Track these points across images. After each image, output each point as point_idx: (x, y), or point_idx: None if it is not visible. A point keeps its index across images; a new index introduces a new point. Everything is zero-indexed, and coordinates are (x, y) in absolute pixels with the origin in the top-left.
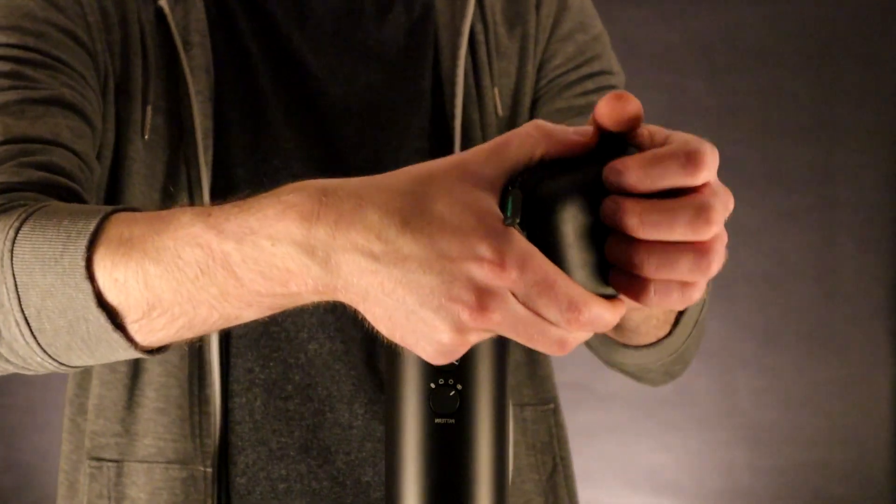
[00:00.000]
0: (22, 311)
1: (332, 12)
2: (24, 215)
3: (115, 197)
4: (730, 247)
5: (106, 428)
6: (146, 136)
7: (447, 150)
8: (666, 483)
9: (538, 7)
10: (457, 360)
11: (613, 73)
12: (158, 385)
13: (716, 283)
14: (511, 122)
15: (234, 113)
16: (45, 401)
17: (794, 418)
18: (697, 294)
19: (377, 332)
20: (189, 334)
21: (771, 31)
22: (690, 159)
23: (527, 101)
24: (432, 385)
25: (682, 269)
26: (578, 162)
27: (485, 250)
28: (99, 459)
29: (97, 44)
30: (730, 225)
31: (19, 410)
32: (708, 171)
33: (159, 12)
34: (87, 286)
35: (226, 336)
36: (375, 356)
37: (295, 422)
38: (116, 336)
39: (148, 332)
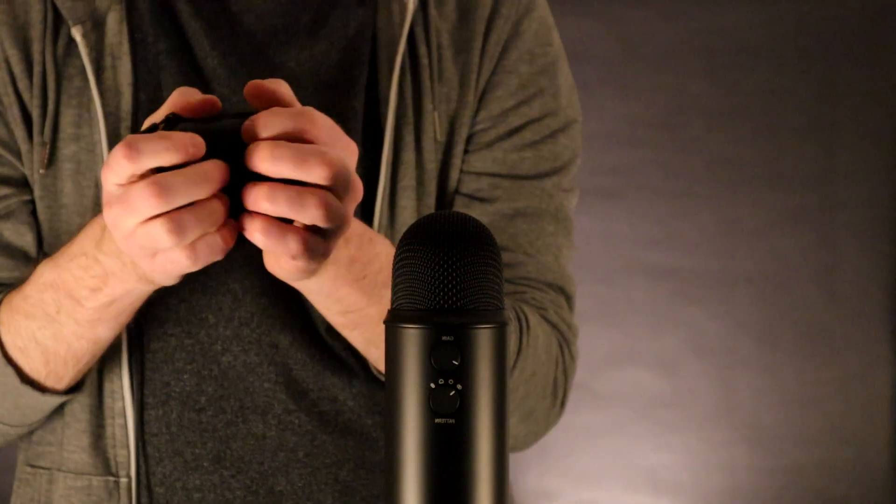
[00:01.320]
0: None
1: (261, 34)
2: None
3: (50, 229)
4: (730, 247)
5: (42, 437)
6: (41, 171)
7: (375, 170)
8: (666, 483)
9: (487, 34)
10: (457, 360)
11: (556, 114)
12: (76, 398)
13: (716, 283)
14: (448, 148)
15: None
16: None
17: (794, 418)
18: (300, 242)
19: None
20: (85, 366)
21: (771, 31)
22: (302, 116)
23: (464, 130)
24: (432, 385)
25: (292, 204)
26: (209, 120)
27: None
28: (34, 466)
29: (9, 112)
30: (730, 225)
31: None
32: (318, 131)
33: (70, 42)
34: (8, 370)
35: (140, 351)
36: (289, 368)
37: (208, 433)
38: (44, 398)
39: (56, 379)
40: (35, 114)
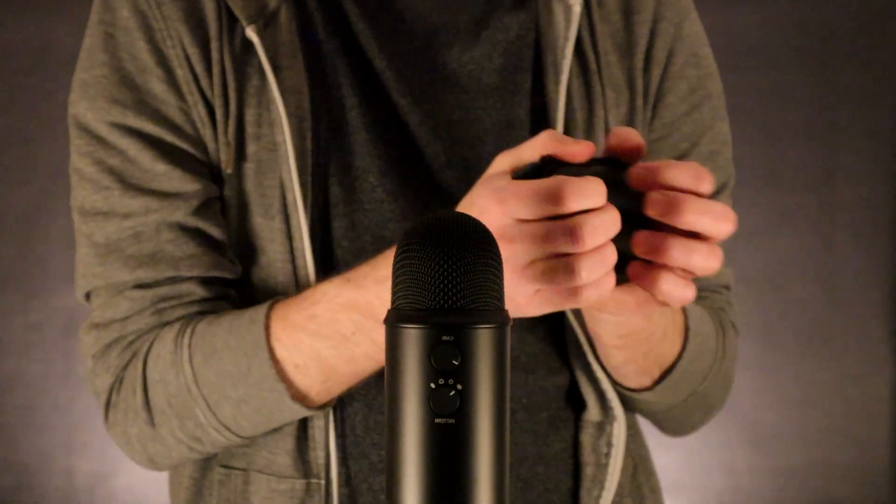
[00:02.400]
0: (220, 421)
1: (422, 32)
2: (186, 351)
3: (238, 228)
4: (729, 247)
5: None
6: (228, 170)
7: None
8: (666, 483)
9: (652, 38)
10: (457, 360)
11: (724, 119)
12: None
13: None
14: None
15: (327, 132)
16: (45, 401)
17: (794, 418)
18: (689, 291)
19: None
20: (358, 384)
21: (771, 31)
22: (699, 173)
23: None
24: (432, 385)
25: (697, 258)
26: (582, 166)
27: (485, 197)
28: (228, 467)
29: (194, 119)
30: None
31: (19, 410)
32: (710, 187)
33: (246, 42)
34: (280, 387)
35: None
36: None
37: None
38: (305, 410)
39: (326, 395)
40: (218, 113)
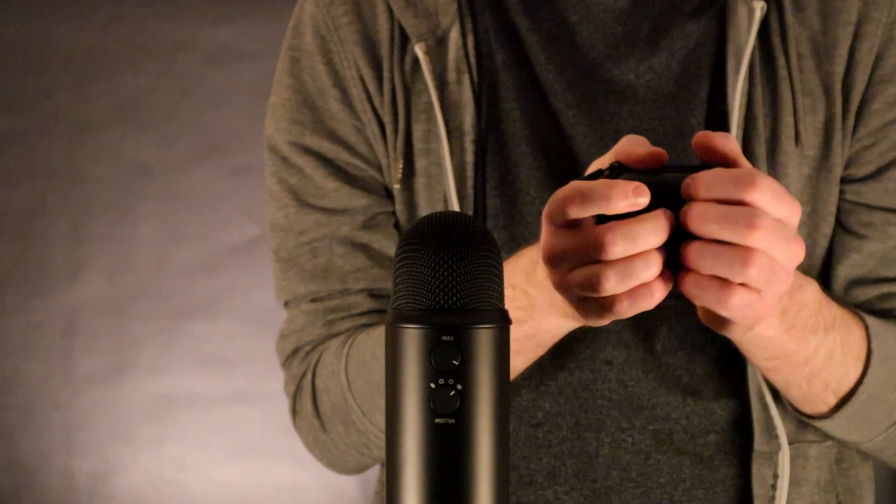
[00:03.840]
0: (377, 427)
1: (600, 44)
2: (344, 361)
3: None
4: None
5: None
6: (397, 185)
7: None
8: None
9: (856, 40)
10: (457, 360)
11: None
12: None
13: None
14: (821, 161)
15: (491, 146)
16: (45, 401)
17: None
18: (733, 300)
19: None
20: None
21: None
22: (742, 179)
23: (837, 145)
24: (432, 385)
25: (722, 263)
26: (652, 172)
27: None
28: None
29: (368, 132)
30: None
31: (19, 410)
32: (759, 194)
33: (417, 60)
34: None
35: None
36: (624, 385)
37: (544, 448)
38: None
39: None
40: (388, 130)
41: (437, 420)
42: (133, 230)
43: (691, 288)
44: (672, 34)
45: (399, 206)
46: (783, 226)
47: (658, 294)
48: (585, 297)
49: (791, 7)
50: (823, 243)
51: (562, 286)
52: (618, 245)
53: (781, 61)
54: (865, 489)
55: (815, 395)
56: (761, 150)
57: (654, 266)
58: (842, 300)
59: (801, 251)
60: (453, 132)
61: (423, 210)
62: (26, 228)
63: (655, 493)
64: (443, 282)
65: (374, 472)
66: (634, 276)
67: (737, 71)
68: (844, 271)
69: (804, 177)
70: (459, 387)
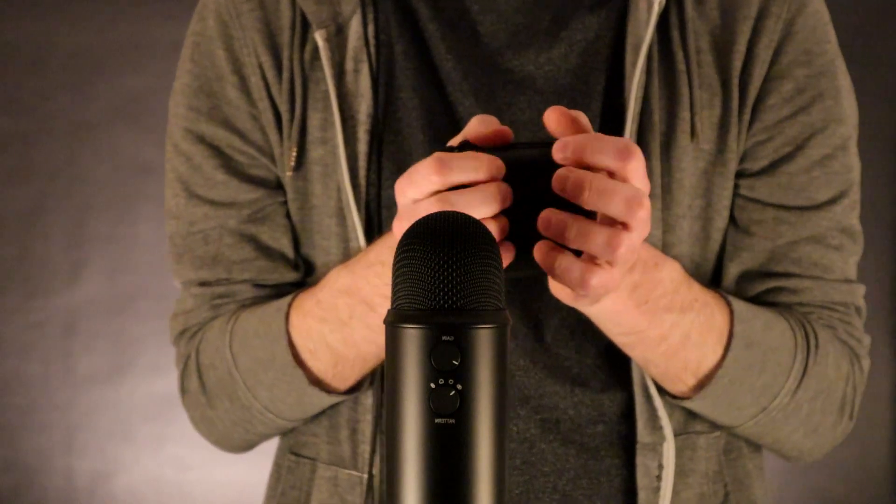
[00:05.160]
0: (261, 403)
1: (500, 34)
2: (228, 337)
3: (303, 230)
4: None
5: (308, 427)
6: (289, 173)
7: None
8: None
9: (755, 35)
10: (457, 360)
11: (841, 121)
12: None
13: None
14: (716, 156)
15: (389, 135)
16: (45, 401)
17: None
18: (594, 279)
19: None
20: (370, 369)
21: None
22: (623, 149)
23: (732, 140)
24: (432, 385)
25: (597, 242)
26: (503, 148)
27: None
28: (297, 455)
29: (264, 125)
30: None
31: (19, 410)
32: (635, 164)
33: (317, 47)
34: (298, 372)
35: None
36: (511, 374)
37: None
38: (329, 398)
39: (342, 380)
40: (284, 118)
41: (437, 420)
42: (133, 230)
43: (540, 257)
44: (572, 26)
45: (291, 195)
46: (648, 204)
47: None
48: None
49: (691, 1)
50: (717, 237)
51: None
52: (462, 209)
53: (680, 56)
54: (754, 479)
55: (675, 374)
56: (656, 143)
57: (495, 233)
58: (714, 288)
59: (650, 226)
60: (348, 121)
61: (318, 199)
62: (26, 228)
63: (540, 482)
64: (443, 282)
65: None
66: None
67: (634, 64)
68: (735, 267)
69: (699, 171)
70: (459, 387)
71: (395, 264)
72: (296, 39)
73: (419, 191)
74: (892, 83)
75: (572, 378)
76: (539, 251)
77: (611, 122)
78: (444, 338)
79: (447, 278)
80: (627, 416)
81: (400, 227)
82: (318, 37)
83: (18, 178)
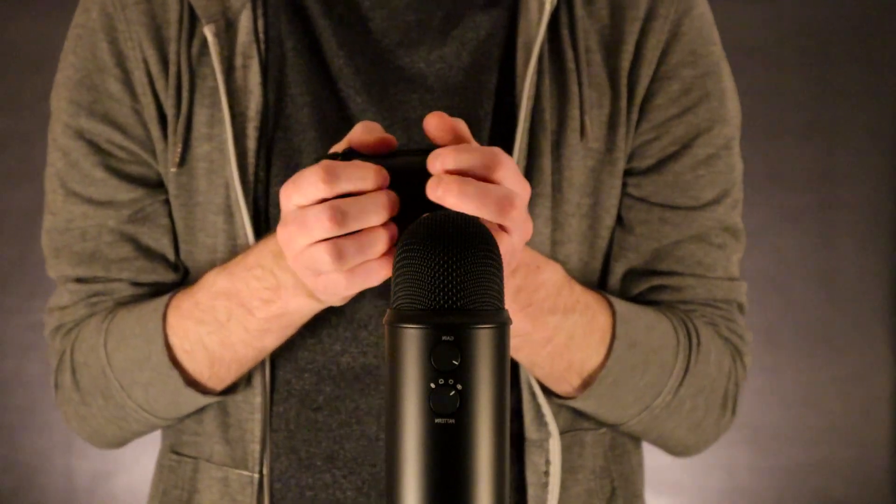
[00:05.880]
0: (136, 402)
1: (391, 30)
2: (103, 336)
3: (186, 227)
4: None
5: (188, 426)
6: (173, 169)
7: None
8: (666, 483)
9: (643, 36)
10: (457, 360)
11: (726, 121)
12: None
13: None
14: (605, 155)
15: (277, 132)
16: (45, 401)
17: (794, 418)
18: None
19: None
20: (246, 371)
21: (771, 31)
22: (491, 157)
23: (620, 139)
24: (432, 385)
25: None
26: (386, 156)
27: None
28: (178, 454)
29: (146, 118)
30: None
31: (19, 410)
32: (505, 172)
33: (205, 42)
34: (174, 373)
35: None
36: None
37: (323, 432)
38: (204, 398)
39: (218, 381)
40: (169, 113)
41: (437, 420)
42: None
43: None
44: (464, 24)
45: (174, 191)
46: (524, 207)
47: (381, 271)
48: (317, 276)
49: (581, 1)
50: (605, 235)
51: (295, 265)
52: (334, 221)
53: (570, 55)
54: (637, 475)
55: (560, 375)
56: (547, 142)
57: (374, 245)
58: (596, 288)
59: (531, 229)
60: (238, 117)
61: (203, 195)
62: (26, 228)
63: None
64: (443, 282)
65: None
66: (350, 253)
67: (526, 63)
68: (621, 266)
69: (588, 169)
70: (459, 387)
71: (395, 264)
72: (183, 34)
73: (305, 198)
74: (892, 83)
75: None
76: None
77: (502, 121)
78: (444, 338)
79: (447, 278)
80: (517, 413)
81: (283, 232)
82: (208, 31)
83: (18, 178)
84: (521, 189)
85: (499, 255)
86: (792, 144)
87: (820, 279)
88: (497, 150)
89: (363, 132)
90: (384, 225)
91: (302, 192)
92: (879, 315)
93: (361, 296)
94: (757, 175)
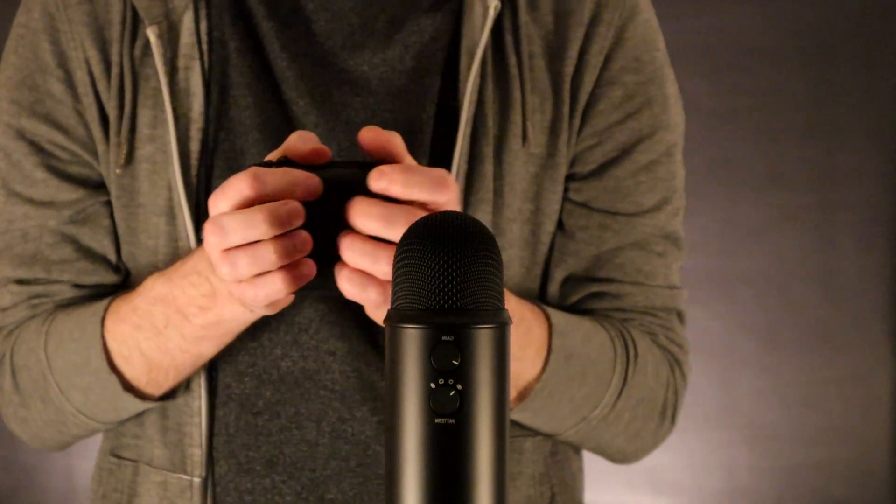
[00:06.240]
0: (74, 406)
1: (335, 33)
2: (43, 338)
3: (127, 228)
4: (730, 247)
5: (127, 429)
6: (118, 171)
7: None
8: (666, 483)
9: (587, 42)
10: (457, 360)
11: (668, 127)
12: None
13: (716, 283)
14: (546, 160)
15: (220, 134)
16: None
17: (794, 418)
18: (371, 294)
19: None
20: (184, 377)
21: (771, 31)
22: (439, 181)
23: (563, 144)
24: (432, 385)
25: (364, 260)
26: (321, 167)
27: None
28: (118, 457)
29: (88, 119)
30: (730, 225)
31: None
32: (450, 196)
33: (148, 42)
34: (112, 378)
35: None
36: (346, 377)
37: (263, 437)
38: (143, 404)
39: (156, 387)
40: (112, 114)
41: (437, 420)
42: None
43: (340, 280)
44: (408, 27)
45: (117, 193)
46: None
47: (280, 285)
48: (236, 284)
49: (525, 6)
50: (546, 240)
51: (217, 273)
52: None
53: (513, 60)
54: (578, 481)
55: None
56: (489, 148)
57: (264, 257)
58: (535, 297)
59: None
60: (181, 119)
61: (145, 197)
62: None
63: (373, 484)
64: (443, 282)
65: None
66: (238, 265)
67: (469, 68)
68: (561, 272)
69: (530, 175)
70: (459, 387)
71: (395, 264)
72: (126, 34)
73: (229, 204)
74: (893, 83)
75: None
76: (338, 273)
77: (445, 126)
78: (444, 338)
79: (447, 278)
80: None
81: (206, 238)
82: (150, 33)
83: None
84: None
85: (499, 255)
86: (792, 144)
87: (820, 279)
88: (444, 175)
89: (298, 141)
90: (289, 234)
91: (227, 198)
92: (879, 315)
93: (303, 299)
94: (757, 175)
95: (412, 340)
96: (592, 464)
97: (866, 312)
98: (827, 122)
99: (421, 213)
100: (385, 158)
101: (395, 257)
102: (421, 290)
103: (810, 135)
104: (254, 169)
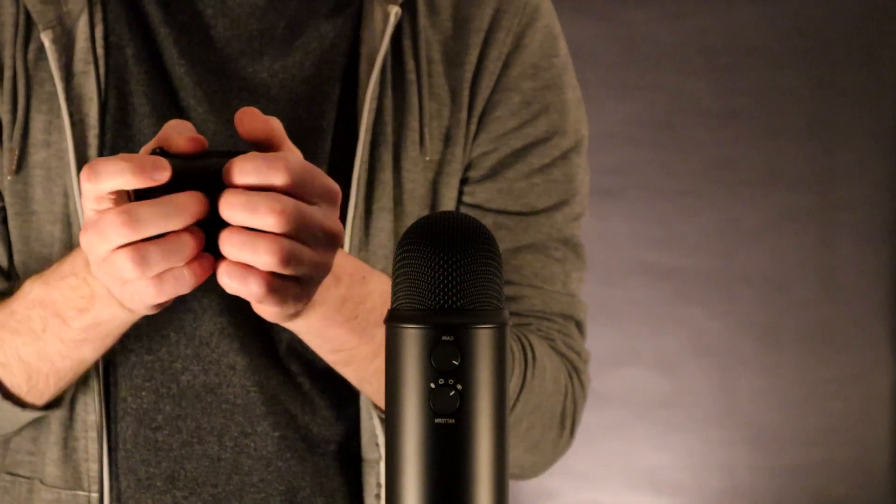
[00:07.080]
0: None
1: (234, 39)
2: None
3: (20, 236)
4: (730, 247)
5: (20, 445)
6: (9, 177)
7: (347, 191)
8: (666, 483)
9: (485, 48)
10: (457, 360)
11: (565, 132)
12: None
13: (716, 283)
14: (441, 167)
15: (120, 140)
16: None
17: (794, 418)
18: (253, 287)
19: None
20: (66, 384)
21: (771, 31)
22: (271, 163)
23: (459, 150)
24: (432, 385)
25: (246, 251)
26: (196, 157)
27: None
28: (13, 475)
29: None
30: (730, 225)
31: None
32: (287, 177)
33: (42, 46)
34: None
35: (106, 365)
36: (247, 391)
37: (163, 452)
38: (24, 413)
39: (37, 395)
40: (5, 119)
41: (437, 420)
42: None
43: (220, 275)
44: (307, 34)
45: (10, 199)
46: (315, 210)
47: (189, 278)
48: (123, 284)
49: (425, 11)
50: None
51: (99, 273)
52: (127, 226)
53: (411, 65)
54: None
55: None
56: (388, 154)
57: (178, 250)
58: None
59: (339, 235)
60: (77, 125)
61: (39, 204)
62: None
63: (276, 500)
64: (443, 282)
65: None
66: (152, 260)
67: (369, 74)
68: None
69: (428, 182)
70: (459, 387)
71: (394, 264)
72: (19, 38)
73: (88, 199)
74: (893, 83)
75: (304, 395)
76: (219, 268)
77: (345, 132)
78: (444, 338)
79: (447, 278)
80: (356, 434)
81: (84, 238)
82: (45, 37)
83: None
84: (318, 193)
85: (499, 255)
86: (792, 144)
87: (820, 279)
88: (281, 156)
89: (173, 131)
90: (190, 230)
91: (84, 194)
92: (879, 315)
93: (203, 312)
94: (757, 175)
95: (412, 340)
96: (593, 464)
97: (866, 312)
98: (827, 121)
99: (286, 199)
100: (264, 145)
101: (395, 257)
102: (421, 290)
103: (810, 135)
104: (94, 160)
